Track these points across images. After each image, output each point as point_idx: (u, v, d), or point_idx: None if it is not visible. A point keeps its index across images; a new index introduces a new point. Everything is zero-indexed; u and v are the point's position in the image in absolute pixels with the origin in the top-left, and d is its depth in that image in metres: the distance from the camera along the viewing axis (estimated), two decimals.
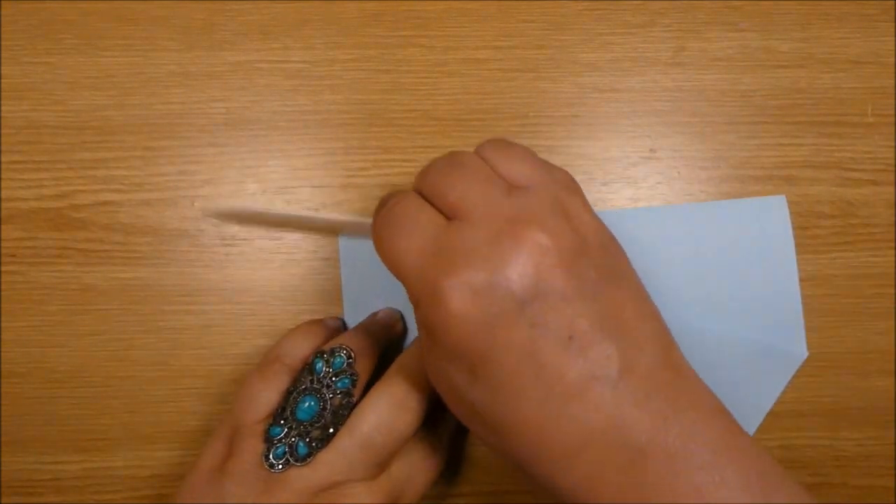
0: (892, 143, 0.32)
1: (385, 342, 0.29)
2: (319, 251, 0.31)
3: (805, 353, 0.31)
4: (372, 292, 0.31)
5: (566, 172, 0.24)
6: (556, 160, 0.31)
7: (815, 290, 0.31)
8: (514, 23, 0.32)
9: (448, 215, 0.21)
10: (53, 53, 0.32)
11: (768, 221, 0.31)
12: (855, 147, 0.32)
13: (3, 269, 0.31)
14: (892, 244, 0.31)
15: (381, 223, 0.22)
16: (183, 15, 0.32)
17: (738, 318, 0.30)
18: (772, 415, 0.31)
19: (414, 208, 0.22)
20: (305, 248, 0.31)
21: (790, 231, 0.31)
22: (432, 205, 0.22)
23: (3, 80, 0.32)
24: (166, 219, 0.31)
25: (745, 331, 0.30)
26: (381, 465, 0.24)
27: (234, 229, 0.31)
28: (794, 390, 0.31)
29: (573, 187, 0.23)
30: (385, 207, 0.23)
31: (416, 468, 0.26)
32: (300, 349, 0.27)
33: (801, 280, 0.31)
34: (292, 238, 0.31)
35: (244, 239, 0.31)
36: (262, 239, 0.31)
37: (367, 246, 0.30)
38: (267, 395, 0.25)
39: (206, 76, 0.32)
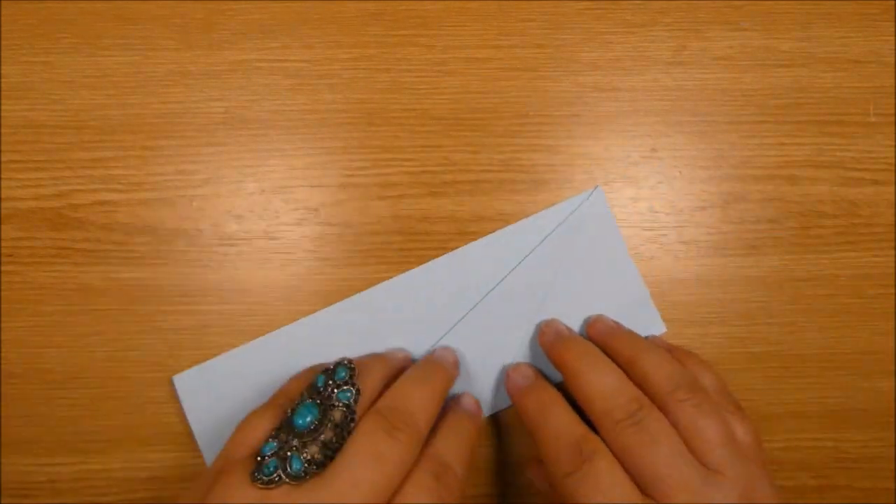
0: (894, 143, 0.32)
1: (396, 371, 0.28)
2: (318, 251, 0.31)
3: (663, 329, 0.31)
4: (221, 419, 0.30)
5: (756, 448, 0.25)
6: (557, 159, 0.31)
7: (818, 290, 0.31)
8: (514, 22, 0.32)
9: (641, 487, 0.23)
10: (52, 53, 0.32)
11: (592, 216, 0.31)
12: (857, 146, 0.32)
13: (1, 269, 0.31)
14: (894, 244, 0.31)
15: (574, 485, 0.23)
16: (182, 14, 0.32)
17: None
18: (774, 416, 0.31)
19: (607, 481, 0.23)
20: (304, 248, 0.31)
21: (612, 219, 0.31)
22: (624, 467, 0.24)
23: (1, 80, 0.32)
24: (165, 218, 0.31)
25: None
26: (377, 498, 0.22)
27: (233, 228, 0.31)
28: (797, 392, 0.31)
29: (760, 473, 0.24)
30: (580, 473, 0.23)
31: None
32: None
33: (803, 280, 0.31)
34: (291, 238, 0.31)
35: (243, 239, 0.31)
36: (260, 239, 0.31)
37: (203, 373, 0.30)
38: (263, 425, 0.24)
39: (205, 75, 0.32)
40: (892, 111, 0.32)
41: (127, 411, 0.31)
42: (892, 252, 0.31)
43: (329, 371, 0.25)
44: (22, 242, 0.31)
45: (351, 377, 0.25)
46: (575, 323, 0.30)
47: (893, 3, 0.33)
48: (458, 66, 0.32)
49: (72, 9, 0.32)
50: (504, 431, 0.31)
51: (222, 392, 0.30)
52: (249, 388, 0.30)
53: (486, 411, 0.30)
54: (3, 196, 0.31)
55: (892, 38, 0.32)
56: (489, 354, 0.30)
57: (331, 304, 0.31)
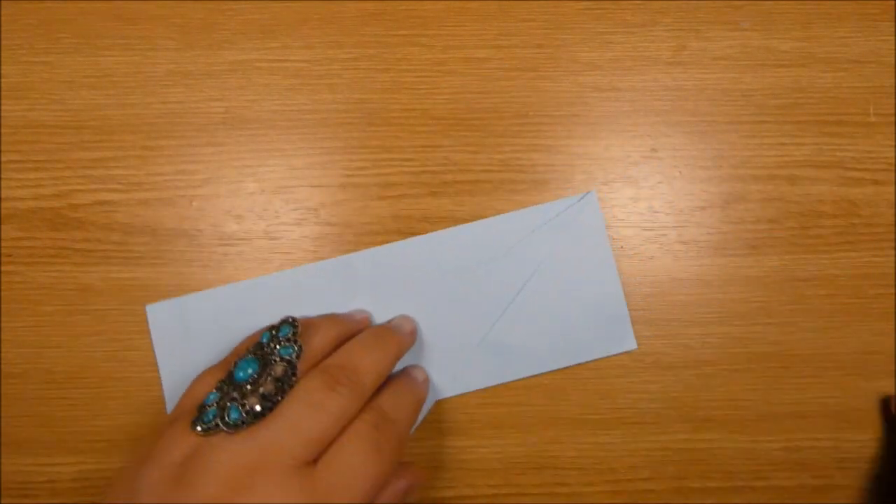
0: (894, 143, 0.32)
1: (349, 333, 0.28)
2: (318, 251, 0.31)
3: (634, 346, 0.31)
4: (187, 356, 0.30)
5: None
6: (557, 159, 0.31)
7: (817, 290, 0.31)
8: (513, 22, 0.32)
9: None
10: (52, 53, 0.32)
11: (581, 220, 0.31)
12: (856, 146, 0.32)
13: (1, 269, 0.31)
14: (894, 244, 0.31)
15: None
16: (182, 14, 0.32)
17: (567, 323, 0.31)
18: (774, 416, 0.31)
19: None
20: (304, 248, 0.31)
21: (603, 227, 0.31)
22: None
23: (1, 80, 0.32)
24: (164, 218, 0.31)
25: (575, 336, 0.31)
26: (312, 451, 0.22)
27: (233, 228, 0.31)
28: (796, 392, 0.31)
29: None
30: None
31: (349, 465, 0.23)
32: None
33: (803, 280, 0.31)
34: (291, 238, 0.31)
35: (242, 239, 0.31)
36: (260, 239, 0.31)
37: (177, 307, 0.30)
38: (210, 381, 0.25)
39: (205, 75, 0.32)
40: (892, 111, 0.32)
41: (126, 412, 0.31)
42: (892, 252, 0.31)
43: (274, 328, 0.25)
44: (22, 242, 0.31)
45: (294, 334, 0.25)
46: (546, 321, 0.30)
47: (893, 3, 0.33)
48: (458, 66, 0.32)
49: (72, 9, 0.32)
50: (501, 431, 0.31)
51: (193, 329, 0.30)
52: (219, 329, 0.30)
53: (448, 392, 0.31)
54: (3, 196, 0.31)
55: (892, 38, 0.32)
56: (456, 336, 0.30)
57: None
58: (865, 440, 0.31)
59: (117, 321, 0.31)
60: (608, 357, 0.31)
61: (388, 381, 0.27)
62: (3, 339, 0.31)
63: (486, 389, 0.31)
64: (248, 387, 0.23)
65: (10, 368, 0.31)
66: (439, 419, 0.31)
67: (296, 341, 0.25)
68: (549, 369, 0.31)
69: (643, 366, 0.31)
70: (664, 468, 0.31)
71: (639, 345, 0.31)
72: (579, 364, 0.31)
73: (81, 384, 0.31)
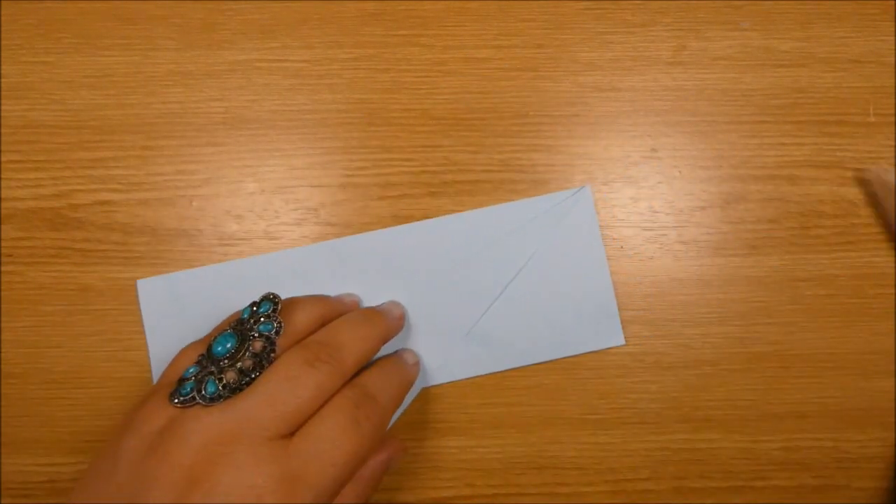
0: (894, 143, 0.32)
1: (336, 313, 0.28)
2: None
3: (622, 342, 0.31)
4: (176, 332, 0.30)
5: None
6: (557, 159, 0.32)
7: (817, 290, 0.31)
8: (513, 22, 0.32)
9: None
10: (52, 53, 0.32)
11: (575, 214, 0.31)
12: (856, 146, 0.32)
13: (1, 269, 0.31)
14: (894, 244, 0.31)
15: None
16: (182, 14, 0.32)
17: (556, 316, 0.31)
18: (774, 416, 0.31)
19: None
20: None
21: (596, 222, 0.31)
22: None
23: (1, 80, 0.32)
24: (164, 218, 0.31)
25: (563, 329, 0.31)
26: (287, 424, 0.22)
27: (233, 228, 0.31)
28: (796, 391, 0.31)
29: None
30: None
31: (325, 438, 0.23)
32: None
33: (803, 280, 0.31)
34: (291, 238, 0.31)
35: (243, 239, 0.31)
36: (260, 239, 0.31)
37: (167, 283, 0.30)
38: (192, 356, 0.25)
39: (205, 75, 0.32)
40: (892, 111, 0.32)
41: (127, 411, 0.31)
42: (892, 252, 0.31)
43: (255, 304, 0.25)
44: (22, 242, 0.31)
45: (274, 311, 0.25)
46: (536, 313, 0.31)
47: (893, 3, 0.33)
48: (458, 66, 0.32)
49: (72, 9, 0.32)
50: (501, 431, 0.31)
51: (182, 305, 0.30)
52: (208, 306, 0.30)
53: (435, 380, 0.31)
54: (3, 196, 0.31)
55: (892, 38, 0.32)
56: (445, 324, 0.31)
57: None
58: (865, 440, 0.31)
59: (117, 321, 0.31)
60: (608, 357, 0.31)
61: (376, 361, 0.27)
62: (3, 339, 0.31)
63: (485, 389, 0.31)
64: (226, 361, 0.23)
65: (10, 368, 0.31)
66: (439, 419, 0.31)
67: (276, 318, 0.25)
68: (537, 361, 0.31)
69: (643, 366, 0.31)
70: (664, 468, 0.31)
71: (639, 345, 0.31)
72: (579, 364, 0.31)
73: (81, 384, 0.31)
